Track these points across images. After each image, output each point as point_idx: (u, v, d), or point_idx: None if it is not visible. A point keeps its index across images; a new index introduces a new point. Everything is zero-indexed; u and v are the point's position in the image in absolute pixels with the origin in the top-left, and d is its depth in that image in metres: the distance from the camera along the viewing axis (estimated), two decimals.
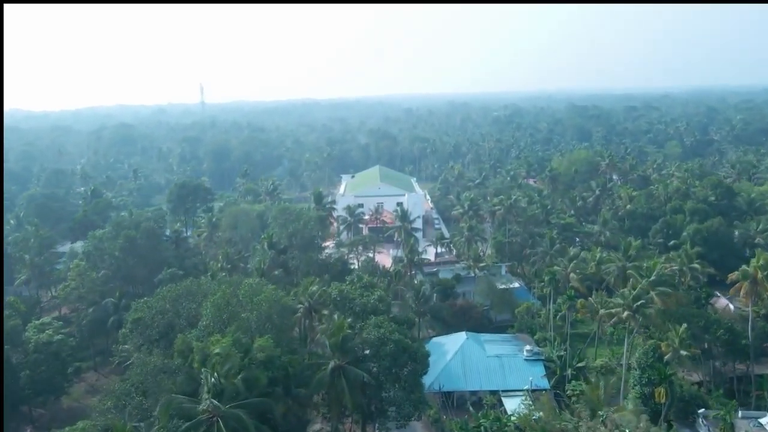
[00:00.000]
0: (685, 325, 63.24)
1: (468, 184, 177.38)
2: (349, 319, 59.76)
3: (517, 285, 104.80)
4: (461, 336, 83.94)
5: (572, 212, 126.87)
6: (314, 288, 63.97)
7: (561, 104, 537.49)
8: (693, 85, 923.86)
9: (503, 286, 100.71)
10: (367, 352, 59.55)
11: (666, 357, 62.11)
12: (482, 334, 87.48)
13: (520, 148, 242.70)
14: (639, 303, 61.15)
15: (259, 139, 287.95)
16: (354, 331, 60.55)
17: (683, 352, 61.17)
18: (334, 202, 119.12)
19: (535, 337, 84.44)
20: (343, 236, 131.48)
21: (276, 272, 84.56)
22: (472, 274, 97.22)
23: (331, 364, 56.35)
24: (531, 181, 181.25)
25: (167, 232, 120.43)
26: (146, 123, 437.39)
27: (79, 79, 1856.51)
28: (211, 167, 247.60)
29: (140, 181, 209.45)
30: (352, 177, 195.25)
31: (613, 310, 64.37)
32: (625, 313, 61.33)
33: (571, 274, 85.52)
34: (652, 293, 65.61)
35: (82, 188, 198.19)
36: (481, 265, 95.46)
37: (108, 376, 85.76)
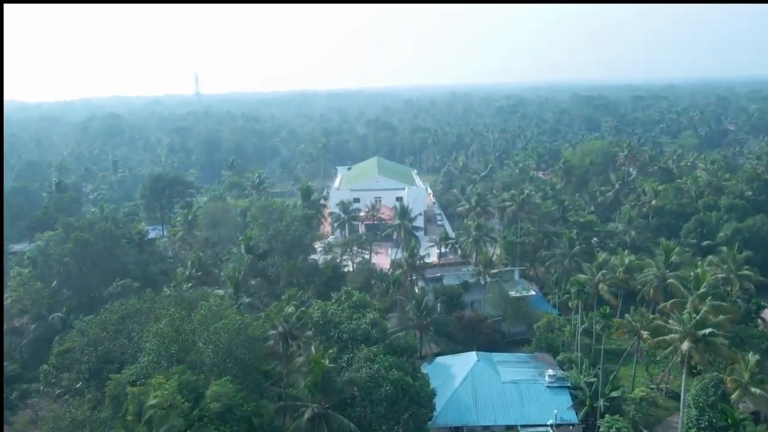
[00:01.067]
0: (756, 357, 50.35)
1: (473, 177, 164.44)
2: (332, 351, 46.99)
3: (533, 293, 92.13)
4: (471, 357, 71.23)
5: (592, 209, 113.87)
6: (291, 308, 51.18)
7: (564, 95, 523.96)
8: (696, 76, 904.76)
9: (517, 294, 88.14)
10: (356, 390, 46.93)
11: (732, 396, 49.36)
12: (495, 353, 74.88)
13: (526, 138, 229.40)
14: (706, 332, 47.97)
15: (252, 130, 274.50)
16: (340, 364, 47.88)
17: (755, 390, 48.35)
18: (324, 197, 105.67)
19: (558, 357, 71.68)
20: (337, 235, 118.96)
21: (253, 282, 71.88)
22: (483, 282, 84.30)
23: (309, 411, 43.70)
24: (539, 174, 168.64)
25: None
26: (138, 114, 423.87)
27: (76, 70, 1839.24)
28: (201, 159, 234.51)
29: (123, 173, 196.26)
30: (349, 169, 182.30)
31: (667, 338, 51.37)
32: (686, 345, 48.37)
33: (601, 285, 72.66)
34: (713, 317, 52.08)
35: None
36: (493, 271, 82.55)
37: (60, 402, 73.56)
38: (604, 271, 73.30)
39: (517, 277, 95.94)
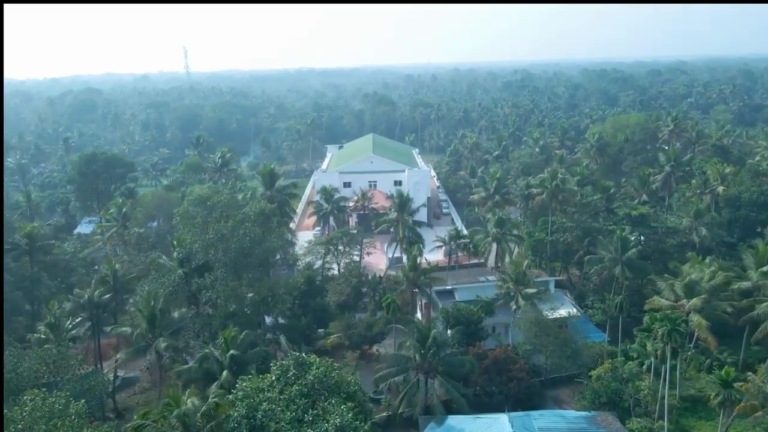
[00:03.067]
0: None
1: (485, 157, 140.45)
2: None
3: (577, 313, 68.72)
4: (500, 424, 48.11)
5: (644, 198, 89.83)
6: (191, 402, 27.76)
7: (572, 71, 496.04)
8: (705, 54, 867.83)
9: (555, 315, 64.68)
10: None
11: None
12: (533, 412, 51.70)
13: (542, 113, 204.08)
14: None
15: (236, 105, 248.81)
16: None
17: None
18: (293, 185, 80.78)
19: (631, 426, 48.48)
20: (317, 231, 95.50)
21: (177, 314, 48.28)
22: (514, 306, 60.57)
23: None
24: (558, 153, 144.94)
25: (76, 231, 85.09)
26: (121, 89, 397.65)
27: (69, 47, 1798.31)
28: (177, 136, 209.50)
29: (85, 150, 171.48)
30: (340, 148, 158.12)
31: None
32: None
33: (694, 316, 49.02)
34: None
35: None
36: (529, 291, 58.74)
37: None
38: (704, 296, 49.43)
39: (552, 289, 72.34)
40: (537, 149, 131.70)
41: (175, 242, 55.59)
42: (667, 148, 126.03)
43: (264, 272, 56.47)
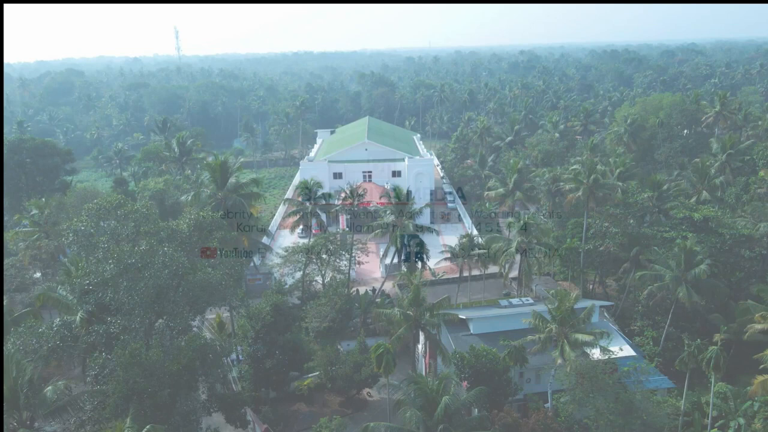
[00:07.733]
0: None
1: (495, 144, 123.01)
2: None
3: (632, 351, 51.86)
4: None
5: (705, 195, 72.40)
6: None
7: (579, 53, 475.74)
8: (714, 37, 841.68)
9: (603, 355, 47.45)
10: None
11: None
12: None
13: (556, 95, 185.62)
14: None
15: (223, 87, 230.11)
16: None
17: None
18: (254, 183, 62.88)
19: None
20: (300, 233, 78.71)
21: (50, 389, 31.21)
22: (560, 360, 43.19)
23: None
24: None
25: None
26: (107, 72, 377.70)
27: (64, 31, 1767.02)
28: (156, 120, 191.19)
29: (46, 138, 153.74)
30: (332, 133, 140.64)
31: None
32: None
33: None
34: None
35: None
36: (581, 338, 41.31)
37: None
38: None
39: (596, 317, 55.17)
40: (557, 134, 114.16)
41: (74, 271, 38.44)
42: (707, 132, 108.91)
43: (196, 314, 39.09)
